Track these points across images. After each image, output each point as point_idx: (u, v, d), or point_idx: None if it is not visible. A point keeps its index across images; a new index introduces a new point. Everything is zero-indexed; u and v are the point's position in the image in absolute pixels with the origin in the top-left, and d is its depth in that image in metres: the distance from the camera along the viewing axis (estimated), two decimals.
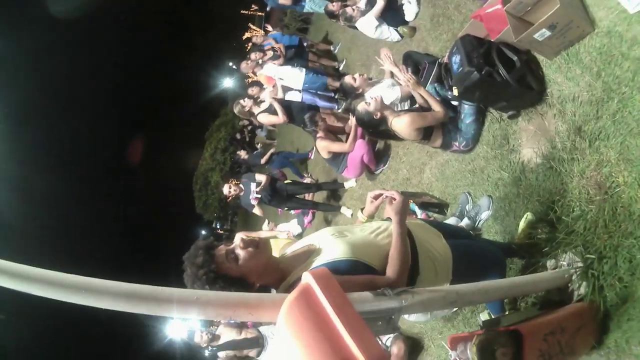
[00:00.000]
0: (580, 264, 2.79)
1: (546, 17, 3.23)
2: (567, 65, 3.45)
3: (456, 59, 3.89)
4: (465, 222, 4.18)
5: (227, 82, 28.94)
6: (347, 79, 5.66)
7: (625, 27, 3.01)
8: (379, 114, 4.51)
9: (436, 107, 4.32)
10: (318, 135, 6.51)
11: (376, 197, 2.45)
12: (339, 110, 8.14)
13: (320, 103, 8.31)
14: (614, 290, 2.54)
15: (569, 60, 3.44)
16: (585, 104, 3.21)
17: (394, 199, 2.28)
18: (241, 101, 7.91)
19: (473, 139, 4.45)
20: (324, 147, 6.51)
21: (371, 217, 2.62)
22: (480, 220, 4.10)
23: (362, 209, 2.60)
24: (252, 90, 9.20)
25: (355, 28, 7.20)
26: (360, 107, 4.65)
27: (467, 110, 4.40)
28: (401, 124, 4.38)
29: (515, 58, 3.68)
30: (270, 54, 8.94)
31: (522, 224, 3.52)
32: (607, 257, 2.64)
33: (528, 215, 3.49)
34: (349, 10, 6.92)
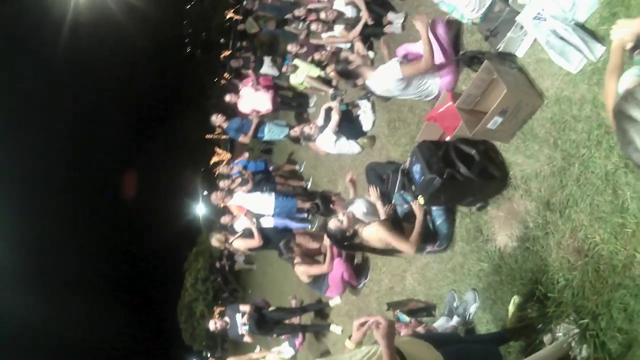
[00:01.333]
0: (576, 330, 2.78)
1: (496, 105, 3.61)
2: (524, 143, 3.83)
3: (416, 168, 4.21)
4: (455, 320, 4.29)
5: (201, 209, 30.83)
6: (333, 225, 4.96)
7: (571, 90, 3.43)
8: (351, 230, 4.67)
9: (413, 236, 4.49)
10: (295, 261, 6.65)
11: (362, 325, 2.48)
12: (313, 230, 8.39)
13: (293, 225, 8.63)
14: (617, 342, 2.68)
15: (525, 138, 3.83)
16: (549, 176, 3.52)
17: (380, 324, 2.32)
18: (215, 234, 8.04)
19: (446, 238, 4.69)
20: (302, 271, 6.75)
21: (359, 344, 2.63)
22: (469, 315, 4.18)
23: (349, 337, 2.62)
24: (225, 219, 9.39)
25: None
26: (333, 224, 4.86)
27: (435, 212, 4.58)
28: (370, 231, 4.57)
29: (473, 152, 4.02)
30: (238, 180, 9.30)
31: (511, 307, 3.65)
32: (601, 315, 2.80)
33: (515, 299, 3.63)
34: (306, 129, 7.42)
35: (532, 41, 3.90)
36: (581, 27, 3.39)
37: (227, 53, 28.55)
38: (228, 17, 26.89)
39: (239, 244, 8.03)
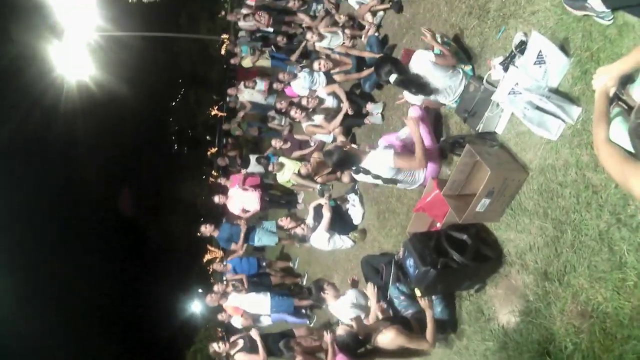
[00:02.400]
0: None
1: (482, 188, 3.72)
2: (515, 219, 3.89)
3: (410, 262, 4.25)
4: None
5: (197, 306, 31.01)
6: (343, 331, 4.85)
7: (554, 157, 3.55)
8: (362, 334, 4.57)
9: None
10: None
11: None
12: (312, 325, 8.30)
13: (291, 319, 8.53)
14: None
15: (514, 214, 3.90)
16: (543, 247, 3.56)
17: None
18: (215, 345, 7.86)
19: (449, 324, 4.61)
20: None
21: None
22: None
23: None
24: (222, 316, 9.37)
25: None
26: (342, 330, 4.73)
27: (434, 301, 4.58)
28: (387, 339, 4.43)
29: (464, 237, 4.08)
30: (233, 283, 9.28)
31: None
32: None
33: None
34: (299, 230, 7.48)
35: (509, 116, 4.08)
36: (555, 92, 3.58)
37: (213, 150, 29.34)
38: (212, 114, 27.94)
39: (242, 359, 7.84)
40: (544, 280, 3.48)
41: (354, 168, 5.25)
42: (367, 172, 5.13)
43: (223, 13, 30.28)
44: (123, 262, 42.42)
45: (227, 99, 15.06)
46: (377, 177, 5.12)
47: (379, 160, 5.05)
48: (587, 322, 3.06)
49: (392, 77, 4.77)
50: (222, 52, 17.02)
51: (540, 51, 3.61)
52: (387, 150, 5.02)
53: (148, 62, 36.24)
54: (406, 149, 5.14)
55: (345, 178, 7.71)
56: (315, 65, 7.77)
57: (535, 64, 3.65)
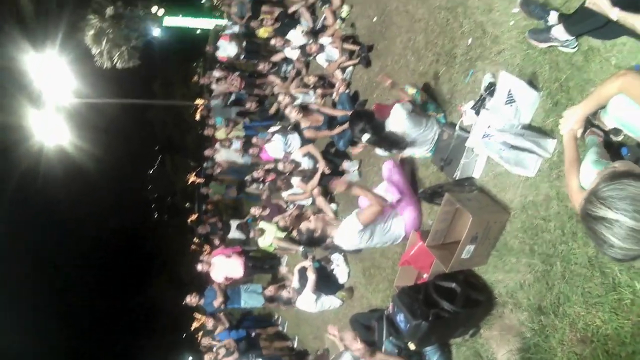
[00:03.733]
0: None
1: (465, 235, 3.62)
2: (502, 259, 3.78)
3: (400, 317, 4.10)
4: None
5: None
6: None
7: (534, 193, 3.50)
8: None
9: None
10: None
11: None
12: None
13: None
14: None
15: (501, 255, 3.80)
16: (534, 283, 3.45)
17: None
18: None
19: None
20: None
21: None
22: None
23: None
24: None
25: None
26: None
27: (429, 351, 4.41)
28: None
29: (453, 285, 3.95)
30: (222, 351, 8.95)
31: None
32: None
33: None
34: (284, 293, 7.27)
35: (485, 159, 4.03)
36: (529, 128, 3.56)
37: (194, 217, 29.12)
38: (190, 180, 27.91)
39: None
40: (539, 314, 3.37)
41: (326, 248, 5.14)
42: (340, 250, 5.03)
43: (196, 77, 30.81)
44: (110, 333, 41.19)
45: (204, 164, 15.09)
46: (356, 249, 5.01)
47: (347, 229, 4.88)
48: (589, 347, 2.97)
49: (365, 137, 4.70)
50: (197, 117, 17.22)
51: (509, 90, 3.60)
52: (350, 216, 4.85)
53: (124, 129, 36.34)
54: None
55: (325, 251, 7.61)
56: (287, 111, 7.78)
57: (506, 103, 3.62)
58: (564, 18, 3.30)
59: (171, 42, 32.05)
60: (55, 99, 21.14)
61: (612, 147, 2.62)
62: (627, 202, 1.54)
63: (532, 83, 3.61)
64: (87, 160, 31.04)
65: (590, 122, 2.62)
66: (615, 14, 2.36)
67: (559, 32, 3.27)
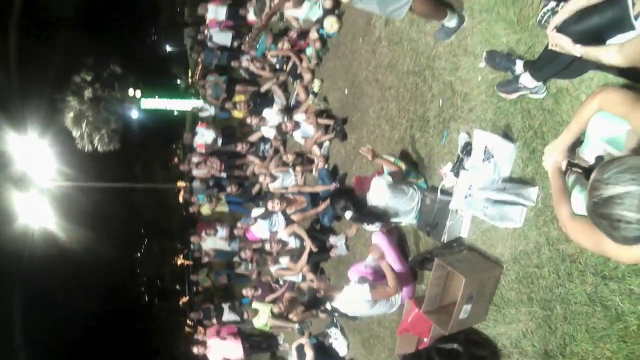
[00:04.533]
0: None
1: (460, 296, 3.57)
2: (501, 313, 3.71)
3: None
4: None
5: None
6: None
7: (524, 243, 3.47)
8: None
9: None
10: None
11: None
12: None
13: None
14: None
15: (499, 308, 3.72)
16: (536, 330, 3.38)
17: None
18: None
19: None
20: None
21: None
22: None
23: None
24: None
25: None
26: None
27: None
28: None
29: (455, 345, 3.88)
30: None
31: None
32: None
33: None
34: None
35: (471, 218, 4.00)
36: (509, 180, 3.55)
37: (185, 299, 28.36)
38: (179, 263, 27.39)
39: None
40: (547, 359, 3.27)
41: (329, 309, 5.06)
42: (342, 314, 4.97)
43: (176, 160, 30.85)
44: None
45: (191, 246, 14.94)
46: (354, 317, 4.94)
47: (354, 297, 4.85)
48: None
49: (348, 214, 4.71)
50: (180, 199, 17.18)
51: (485, 147, 3.63)
52: (361, 285, 4.83)
53: (109, 212, 35.94)
54: (378, 276, 5.01)
55: (322, 314, 7.45)
56: (269, 205, 7.78)
57: (484, 161, 3.64)
58: (529, 65, 3.35)
59: (149, 124, 32.55)
60: (39, 181, 21.11)
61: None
62: (632, 172, 1.52)
63: (507, 135, 3.63)
64: (72, 243, 30.43)
65: (570, 163, 2.65)
66: (578, 50, 2.42)
67: (527, 80, 3.32)
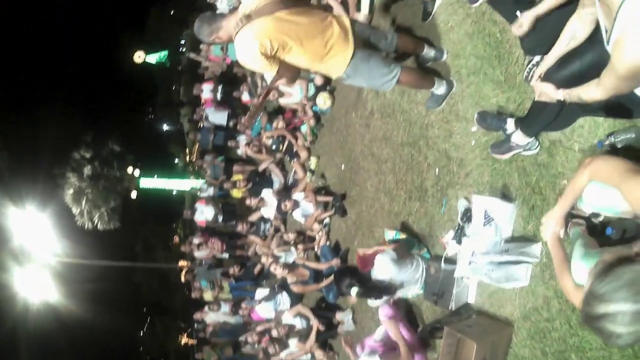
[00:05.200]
0: None
1: None
2: None
3: None
4: None
5: None
6: None
7: (533, 299, 3.37)
8: None
9: None
10: None
11: None
12: None
13: None
14: None
15: None
16: None
17: None
18: None
19: None
20: None
21: None
22: None
23: None
24: None
25: None
26: None
27: None
28: None
29: None
30: None
31: None
32: None
33: None
34: None
35: (476, 283, 3.93)
36: (512, 240, 3.50)
37: None
38: (183, 342, 26.54)
39: None
40: None
41: None
42: None
43: (177, 239, 30.71)
44: None
45: (195, 325, 14.60)
46: None
47: None
48: None
49: (354, 291, 4.64)
50: (182, 279, 16.93)
51: (485, 211, 3.59)
52: (371, 358, 4.72)
53: (111, 290, 35.33)
54: (388, 348, 4.82)
55: None
56: (272, 268, 7.70)
57: (485, 225, 3.60)
58: (520, 122, 3.37)
59: (149, 203, 32.65)
60: (39, 256, 20.94)
61: (596, 231, 2.58)
62: (625, 290, 1.52)
63: (505, 195, 3.60)
64: (72, 321, 29.79)
65: (570, 214, 2.57)
66: (561, 94, 2.44)
67: (519, 137, 3.33)
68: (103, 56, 36.85)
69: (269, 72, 3.75)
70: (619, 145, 2.75)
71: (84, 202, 25.29)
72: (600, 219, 2.70)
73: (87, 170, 25.80)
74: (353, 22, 3.96)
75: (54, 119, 28.31)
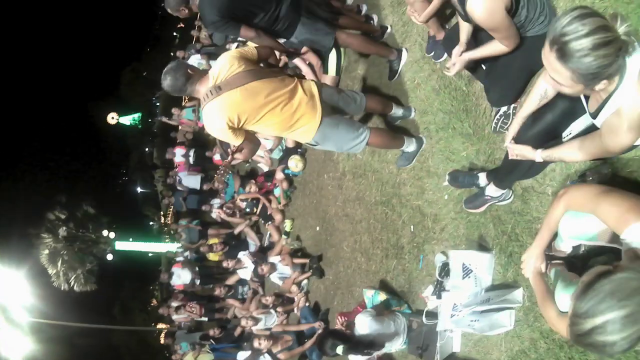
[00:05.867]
0: None
1: None
2: None
3: None
4: None
5: None
6: None
7: (519, 342, 3.31)
8: None
9: None
10: None
11: None
12: None
13: None
14: None
15: None
16: None
17: None
18: None
19: None
20: None
21: None
22: None
23: None
24: None
25: None
26: None
27: None
28: None
29: None
30: None
31: None
32: None
33: None
34: None
35: (460, 334, 3.90)
36: (492, 288, 3.51)
37: None
38: None
39: None
40: None
41: None
42: None
43: (155, 302, 29.78)
44: None
45: None
46: None
47: None
48: None
49: (340, 349, 4.56)
50: (162, 341, 16.30)
51: (463, 264, 3.62)
52: None
53: (90, 354, 33.53)
54: None
55: None
56: (255, 342, 7.44)
57: (464, 278, 3.62)
58: (492, 175, 3.44)
59: (125, 265, 31.87)
60: (15, 316, 20.03)
61: (576, 267, 2.57)
62: (608, 300, 1.53)
63: (482, 245, 3.64)
64: None
65: (548, 257, 2.58)
66: (540, 155, 2.48)
67: (492, 190, 3.40)
68: (76, 118, 37.00)
69: (235, 142, 3.74)
70: (593, 184, 2.78)
71: (59, 263, 24.73)
72: (580, 252, 2.68)
73: (62, 231, 25.34)
74: (320, 88, 4.00)
75: (28, 180, 27.95)
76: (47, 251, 24.77)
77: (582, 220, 2.17)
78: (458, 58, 3.17)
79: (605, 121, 1.95)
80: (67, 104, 37.37)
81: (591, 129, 2.22)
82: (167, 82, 3.65)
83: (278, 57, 4.38)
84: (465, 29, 3.11)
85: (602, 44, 1.67)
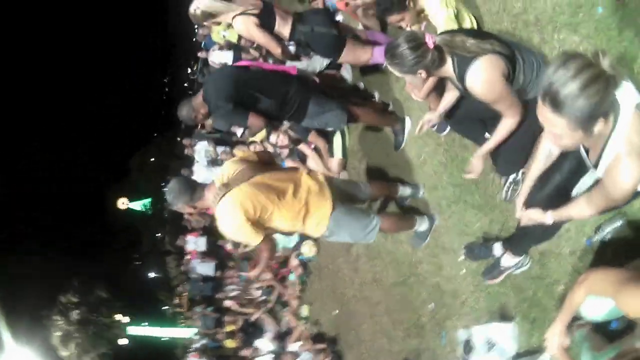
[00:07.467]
0: None
1: None
2: None
3: None
4: None
5: None
6: None
7: None
8: None
9: None
10: None
11: None
12: None
13: None
14: None
15: None
16: None
17: None
18: None
19: None
20: None
21: None
22: None
23: None
24: None
25: None
26: None
27: None
28: None
29: None
30: None
31: None
32: None
33: None
34: None
35: None
36: (518, 356, 3.43)
37: None
38: None
39: None
40: None
41: None
42: None
43: None
44: None
45: None
46: None
47: None
48: None
49: None
50: None
51: (486, 338, 3.57)
52: None
53: None
54: None
55: None
56: None
57: (488, 351, 3.54)
58: (507, 244, 3.44)
59: (139, 350, 30.80)
60: None
61: (601, 327, 2.54)
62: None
63: (504, 315, 3.59)
64: None
65: (574, 318, 2.53)
66: (550, 218, 2.48)
67: (508, 259, 3.39)
68: (87, 204, 37.12)
69: (254, 241, 3.59)
70: (608, 237, 2.80)
71: (73, 346, 24.17)
72: None
73: (74, 314, 24.94)
74: (329, 177, 4.06)
75: (39, 264, 27.79)
76: (59, 333, 24.41)
77: (605, 304, 2.17)
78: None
79: (606, 169, 1.95)
80: (78, 190, 37.81)
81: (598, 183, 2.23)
82: (171, 197, 3.74)
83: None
84: (446, 100, 3.26)
85: (590, 82, 1.68)
